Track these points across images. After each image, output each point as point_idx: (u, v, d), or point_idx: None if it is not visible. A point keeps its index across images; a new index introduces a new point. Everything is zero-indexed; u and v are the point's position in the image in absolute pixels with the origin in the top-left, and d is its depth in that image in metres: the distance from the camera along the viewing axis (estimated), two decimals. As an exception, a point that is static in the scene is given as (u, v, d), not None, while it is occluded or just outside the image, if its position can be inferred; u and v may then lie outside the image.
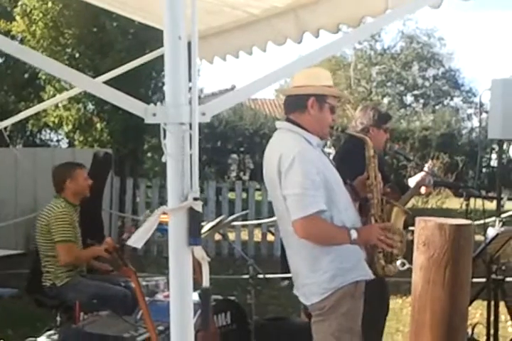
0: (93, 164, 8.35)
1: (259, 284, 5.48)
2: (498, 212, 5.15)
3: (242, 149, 23.34)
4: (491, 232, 4.79)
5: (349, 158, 4.50)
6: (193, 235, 2.16)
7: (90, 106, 12.61)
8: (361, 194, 4.08)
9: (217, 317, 5.08)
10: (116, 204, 11.61)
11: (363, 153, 4.10)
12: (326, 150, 3.99)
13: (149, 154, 14.94)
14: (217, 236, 8.48)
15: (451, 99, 37.76)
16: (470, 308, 4.87)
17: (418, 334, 2.42)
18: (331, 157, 4.67)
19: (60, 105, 12.37)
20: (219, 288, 7.35)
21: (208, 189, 11.70)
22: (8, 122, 5.38)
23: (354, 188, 4.06)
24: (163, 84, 11.08)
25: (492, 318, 4.81)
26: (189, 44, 2.23)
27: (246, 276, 5.42)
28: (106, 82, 2.34)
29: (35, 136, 17.50)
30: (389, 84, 36.76)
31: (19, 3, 11.88)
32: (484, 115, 6.77)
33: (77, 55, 11.95)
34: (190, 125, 2.15)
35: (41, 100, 11.62)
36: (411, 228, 3.21)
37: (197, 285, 2.27)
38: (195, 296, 2.21)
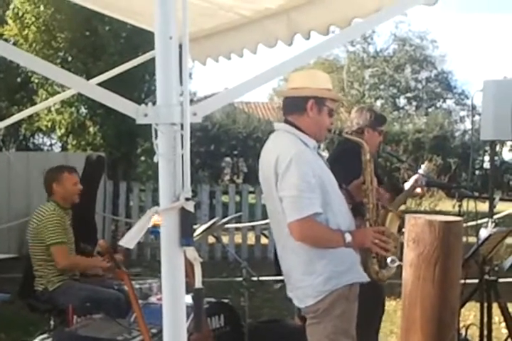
0: (86, 167, 8.35)
1: (252, 287, 5.47)
2: (491, 213, 5.14)
3: (235, 152, 23.33)
4: (484, 233, 4.80)
5: (343, 161, 4.49)
6: (185, 236, 2.15)
7: (83, 110, 12.60)
8: (356, 198, 4.08)
9: (210, 319, 5.08)
10: (110, 207, 11.59)
11: (357, 156, 4.09)
12: (321, 153, 3.98)
13: (143, 158, 14.93)
14: (211, 239, 8.50)
15: (444, 102, 37.83)
16: (463, 310, 4.91)
17: (409, 331, 2.43)
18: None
19: (52, 109, 12.35)
20: (213, 290, 7.34)
21: (201, 192, 11.69)
22: (0, 125, 5.36)
23: (349, 192, 4.06)
24: (156, 87, 11.03)
25: (485, 319, 4.82)
26: (181, 46, 2.23)
27: (240, 279, 5.41)
28: (99, 85, 2.34)
29: (28, 140, 17.48)
30: (382, 86, 36.81)
31: (11, 6, 11.87)
32: (477, 117, 6.79)
33: (69, 59, 11.96)
34: (182, 125, 2.14)
35: (34, 104, 11.60)
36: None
37: (190, 287, 2.27)
38: (189, 299, 2.20)
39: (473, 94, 5.41)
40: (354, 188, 4.11)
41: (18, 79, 13.82)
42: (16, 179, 10.60)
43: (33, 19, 11.66)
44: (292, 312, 5.16)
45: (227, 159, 23.80)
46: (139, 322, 4.17)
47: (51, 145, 18.30)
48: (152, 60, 2.17)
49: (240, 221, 10.96)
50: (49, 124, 12.61)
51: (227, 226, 9.35)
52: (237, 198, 11.93)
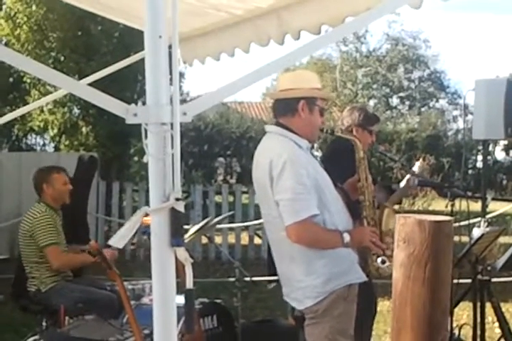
0: (78, 167, 8.33)
1: (245, 287, 5.46)
2: (484, 212, 5.15)
3: (228, 152, 23.30)
4: (476, 233, 4.80)
5: (336, 160, 4.49)
6: (176, 236, 2.14)
7: (76, 110, 12.57)
8: (352, 196, 4.08)
9: (203, 320, 5.06)
10: (103, 208, 11.57)
11: (350, 155, 4.09)
12: (314, 153, 3.98)
13: (136, 158, 14.90)
14: (204, 240, 8.48)
15: (437, 101, 37.87)
16: (456, 309, 4.91)
17: (400, 331, 2.42)
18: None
19: (45, 109, 12.32)
20: (205, 291, 7.33)
21: (194, 192, 11.68)
22: (-8, 125, 5.34)
23: (344, 191, 4.05)
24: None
25: (479, 319, 4.82)
26: (171, 46, 2.22)
27: (232, 279, 5.40)
28: (91, 85, 2.32)
29: (20, 140, 17.40)
30: (375, 86, 36.83)
31: (3, 6, 11.84)
32: (469, 116, 6.79)
33: (62, 59, 11.91)
34: (172, 125, 2.13)
35: (26, 104, 11.54)
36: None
37: (182, 288, 2.25)
38: (181, 299, 2.18)
39: (466, 93, 5.41)
40: (349, 186, 4.11)
41: (11, 80, 13.74)
42: (8, 179, 10.57)
43: (25, 19, 11.63)
44: (285, 312, 5.16)
45: (221, 159, 23.78)
46: (131, 323, 4.16)
47: (44, 145, 18.23)
48: (144, 60, 2.16)
49: (234, 221, 10.95)
50: (41, 124, 12.57)
51: (220, 226, 9.36)
52: (231, 198, 11.92)
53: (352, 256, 3.78)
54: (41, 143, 18.09)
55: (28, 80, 12.11)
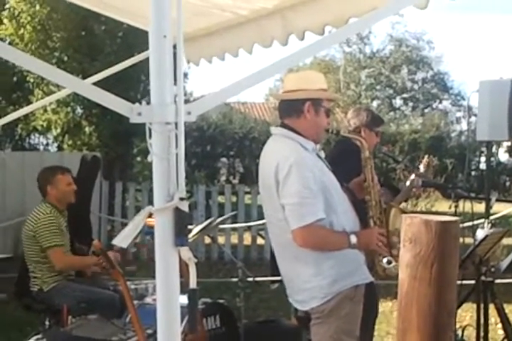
0: (81, 167, 8.34)
1: (248, 287, 5.46)
2: (487, 213, 5.14)
3: (231, 153, 23.30)
4: (480, 234, 4.79)
5: (342, 160, 4.48)
6: (180, 236, 2.14)
7: (79, 110, 12.57)
8: (358, 196, 4.07)
9: (206, 320, 5.06)
10: (106, 207, 11.58)
11: (355, 155, 4.09)
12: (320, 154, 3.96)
13: (139, 158, 14.92)
14: (207, 240, 8.48)
15: (440, 102, 37.86)
16: (460, 311, 4.90)
17: (405, 332, 2.41)
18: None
19: (48, 109, 12.33)
20: (208, 291, 7.33)
21: (197, 193, 11.68)
22: (-4, 124, 5.34)
23: (350, 191, 4.05)
24: (152, 87, 11.06)
25: (482, 320, 4.81)
26: (176, 46, 2.22)
27: (235, 279, 5.40)
28: (95, 85, 2.32)
29: (24, 140, 17.42)
30: (378, 87, 36.83)
31: (7, 6, 11.84)
32: (473, 118, 6.78)
33: (65, 59, 11.92)
34: (176, 124, 2.13)
35: (30, 104, 11.55)
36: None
37: (186, 288, 2.25)
38: (184, 299, 2.18)
39: (470, 94, 5.40)
40: (355, 186, 4.10)
41: (14, 79, 13.76)
42: (11, 179, 10.59)
43: (29, 19, 11.64)
44: (288, 312, 5.15)
45: (224, 159, 23.78)
46: (134, 322, 4.16)
47: (47, 145, 18.25)
48: (148, 60, 2.16)
49: (236, 221, 10.95)
50: (45, 124, 12.58)
51: (223, 226, 9.37)
52: (234, 198, 11.91)
53: (359, 256, 3.78)
54: (44, 142, 18.12)
55: (32, 80, 12.12)
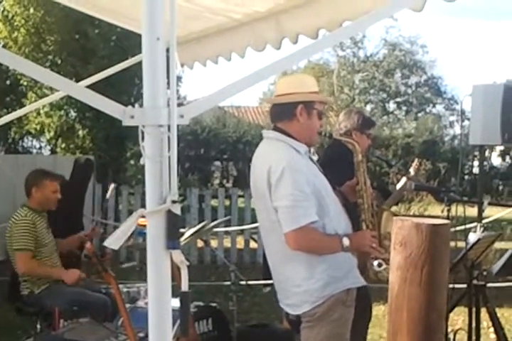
0: (74, 170, 8.33)
1: (241, 291, 5.46)
2: (480, 217, 5.14)
3: (225, 156, 23.34)
4: (472, 238, 4.79)
5: (334, 163, 4.48)
6: (172, 238, 2.13)
7: (72, 113, 12.58)
8: (350, 199, 4.07)
9: (198, 323, 5.05)
10: (99, 211, 11.56)
11: (348, 158, 4.09)
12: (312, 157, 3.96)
13: (132, 161, 14.90)
14: (200, 243, 8.47)
15: (434, 107, 37.96)
16: (452, 314, 4.90)
17: (396, 334, 2.41)
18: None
19: (41, 112, 12.33)
20: (201, 294, 7.33)
21: (190, 196, 11.66)
22: (-11, 127, 5.33)
23: (343, 194, 4.05)
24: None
25: (474, 324, 4.81)
26: (169, 50, 2.22)
27: (228, 283, 5.40)
28: (88, 88, 2.32)
29: (17, 143, 17.40)
30: (372, 91, 36.91)
31: (0, 9, 11.84)
32: (466, 122, 6.79)
33: (59, 62, 11.92)
34: (169, 127, 2.13)
35: (23, 107, 11.55)
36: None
37: (178, 291, 2.25)
38: (176, 302, 2.18)
39: (463, 98, 5.40)
40: (347, 189, 4.10)
41: (8, 82, 13.76)
42: (3, 182, 10.55)
43: (23, 22, 11.64)
44: (280, 316, 5.15)
45: (217, 163, 23.81)
46: (126, 325, 4.15)
47: (40, 148, 18.24)
48: (141, 64, 2.15)
49: (229, 225, 10.94)
50: (38, 127, 12.58)
51: (216, 230, 9.34)
52: (227, 202, 11.91)
53: (351, 260, 3.78)
54: (37, 146, 18.11)
55: (25, 83, 12.12)
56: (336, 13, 3.67)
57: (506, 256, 4.89)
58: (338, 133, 5.03)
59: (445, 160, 21.92)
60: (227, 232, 11.24)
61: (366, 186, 4.01)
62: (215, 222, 5.97)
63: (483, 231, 4.99)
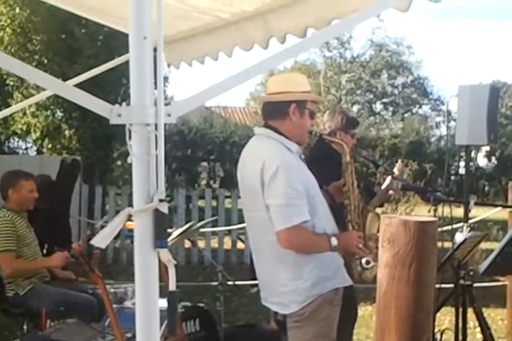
0: (60, 171, 8.29)
1: (228, 291, 5.46)
2: (466, 217, 5.15)
3: (212, 157, 23.32)
4: (459, 238, 4.80)
5: (320, 163, 4.48)
6: (159, 237, 2.13)
7: (59, 113, 12.54)
8: (336, 200, 4.08)
9: (186, 324, 5.04)
10: (85, 211, 11.53)
11: (334, 158, 4.09)
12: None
13: (119, 162, 14.86)
14: (187, 244, 8.46)
15: (420, 107, 38.05)
16: (439, 314, 4.90)
17: (383, 332, 2.42)
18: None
19: (28, 112, 12.28)
20: (188, 294, 7.31)
21: (177, 197, 11.66)
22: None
23: (329, 193, 4.05)
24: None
25: (460, 324, 4.82)
26: (156, 49, 2.21)
27: (215, 283, 5.39)
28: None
29: (3, 143, 17.33)
30: (358, 92, 36.96)
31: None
32: (452, 123, 6.81)
33: (45, 62, 11.88)
34: (156, 126, 2.12)
35: (9, 107, 11.50)
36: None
37: (165, 292, 2.24)
38: (164, 303, 2.17)
39: (449, 99, 5.42)
40: (334, 190, 4.11)
41: (-7, 82, 13.70)
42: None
43: (9, 21, 11.60)
44: (268, 316, 5.15)
45: (204, 164, 23.80)
46: (113, 326, 4.14)
47: (26, 148, 18.18)
48: (128, 63, 2.15)
49: (217, 225, 10.93)
50: (24, 128, 12.53)
51: (203, 230, 9.34)
52: (214, 203, 11.91)
53: (339, 260, 3.78)
54: (24, 146, 18.04)
55: (11, 83, 12.06)
56: (324, 12, 3.66)
57: (492, 255, 4.91)
58: (323, 133, 5.03)
59: (431, 161, 21.99)
60: (214, 233, 11.24)
61: (353, 187, 4.02)
62: (202, 223, 5.96)
63: (469, 231, 5.00)
